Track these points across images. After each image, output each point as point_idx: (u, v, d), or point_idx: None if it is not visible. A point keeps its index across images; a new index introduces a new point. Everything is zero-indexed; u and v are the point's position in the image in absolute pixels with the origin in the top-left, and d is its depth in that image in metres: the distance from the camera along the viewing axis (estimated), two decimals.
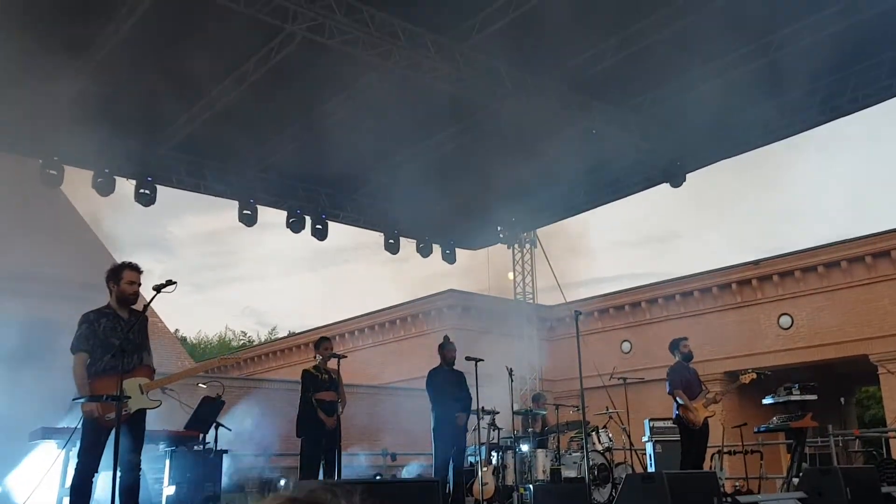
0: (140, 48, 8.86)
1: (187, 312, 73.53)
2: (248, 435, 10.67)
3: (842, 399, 18.50)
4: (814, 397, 10.23)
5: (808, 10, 8.86)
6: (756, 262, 20.76)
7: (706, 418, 8.99)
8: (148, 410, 5.63)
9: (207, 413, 8.53)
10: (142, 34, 8.54)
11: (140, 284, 5.74)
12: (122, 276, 5.66)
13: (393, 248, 13.91)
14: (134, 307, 5.75)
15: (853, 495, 7.81)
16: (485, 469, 9.58)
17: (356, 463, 14.10)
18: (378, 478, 12.25)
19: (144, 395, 5.52)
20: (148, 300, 5.54)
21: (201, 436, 8.38)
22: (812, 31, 9.08)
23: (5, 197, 15.78)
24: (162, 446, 7.91)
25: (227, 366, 6.88)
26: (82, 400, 5.31)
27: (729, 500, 8.01)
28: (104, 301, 5.73)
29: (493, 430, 10.13)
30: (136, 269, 5.74)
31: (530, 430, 10.35)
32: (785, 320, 20.12)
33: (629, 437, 11.16)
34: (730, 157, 12.13)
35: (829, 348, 19.26)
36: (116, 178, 10.90)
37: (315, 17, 8.48)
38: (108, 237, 18.84)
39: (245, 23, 8.42)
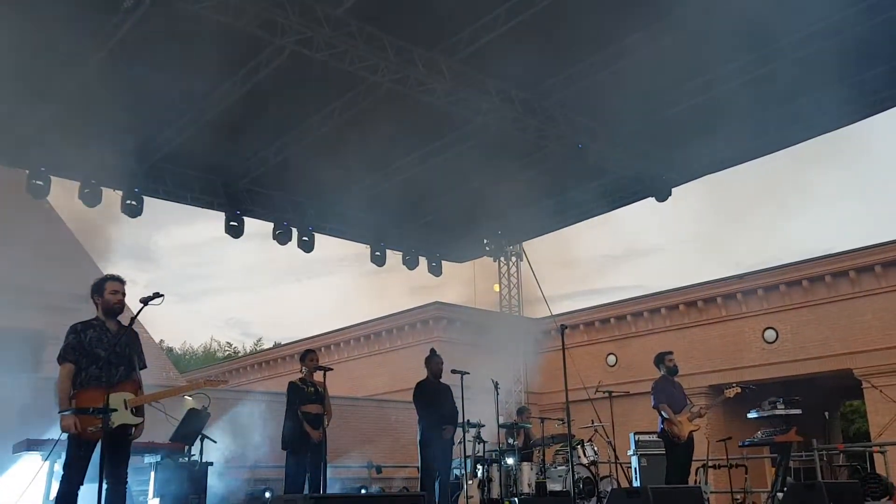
0: (128, 59, 8.85)
1: (172, 323, 73.26)
2: (234, 447, 10.62)
3: (826, 413, 18.55)
4: (798, 411, 10.29)
5: (800, 25, 8.93)
6: (741, 276, 20.89)
7: (691, 432, 9.02)
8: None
9: (193, 425, 8.51)
10: (130, 46, 8.54)
11: (124, 294, 5.73)
12: (105, 287, 5.67)
13: (379, 260, 13.91)
14: (121, 320, 5.74)
15: None
16: (470, 482, 9.58)
17: (341, 476, 14.05)
18: (363, 491, 12.23)
19: (128, 411, 5.50)
20: (135, 312, 5.53)
21: (186, 448, 8.36)
22: (803, 46, 9.16)
23: None
24: (147, 458, 7.88)
25: (215, 387, 6.92)
26: (67, 412, 5.28)
27: None
28: (90, 313, 5.72)
29: (479, 444, 10.13)
30: (118, 280, 5.75)
31: (514, 442, 10.36)
32: (769, 334, 20.25)
33: (614, 450, 11.19)
34: (715, 171, 12.23)
35: (814, 362, 19.38)
36: (103, 189, 10.86)
37: (303, 31, 8.51)
38: (94, 248, 18.75)
39: (234, 35, 8.45)
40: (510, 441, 10.38)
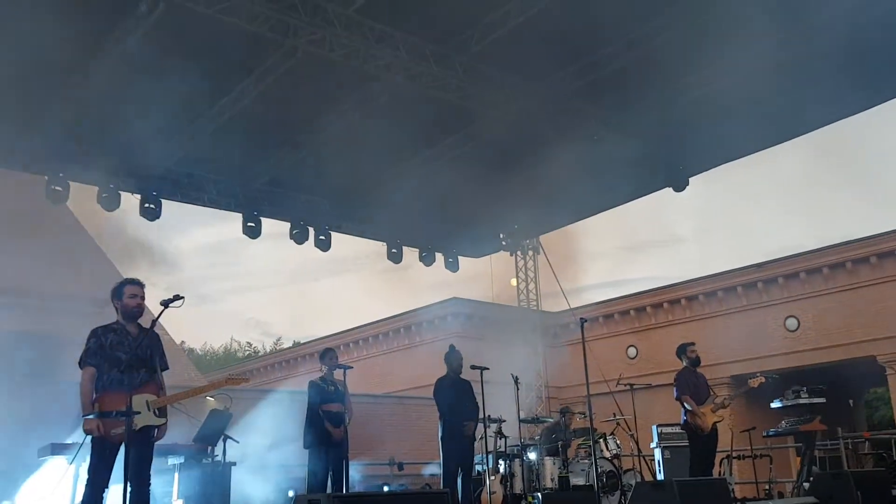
0: (143, 64, 8.88)
1: (193, 324, 73.63)
2: (256, 447, 10.65)
3: (850, 401, 18.41)
4: (822, 400, 10.22)
5: (820, 9, 8.84)
6: (760, 266, 20.71)
7: (715, 423, 8.96)
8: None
9: (215, 426, 8.55)
10: (145, 50, 8.56)
11: (143, 297, 5.75)
12: (124, 291, 5.70)
13: (396, 257, 13.93)
14: (142, 323, 5.77)
15: (865, 499, 7.79)
16: (493, 478, 9.56)
17: (363, 473, 14.07)
18: (386, 489, 12.24)
19: (151, 412, 5.52)
20: (156, 315, 5.56)
21: (209, 448, 8.40)
22: (821, 31, 9.05)
23: (11, 213, 15.82)
24: (170, 460, 7.92)
25: (237, 386, 6.90)
26: (90, 416, 5.31)
27: None
28: (111, 316, 5.75)
29: (500, 439, 10.11)
30: (136, 283, 5.78)
31: (553, 436, 10.34)
32: (791, 322, 20.06)
33: (637, 443, 11.13)
34: (732, 160, 12.15)
35: (837, 350, 19.19)
36: (121, 193, 10.93)
37: (315, 31, 8.52)
38: (114, 252, 18.90)
39: (247, 37, 8.47)
40: (553, 435, 10.39)
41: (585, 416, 9.06)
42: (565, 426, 10.85)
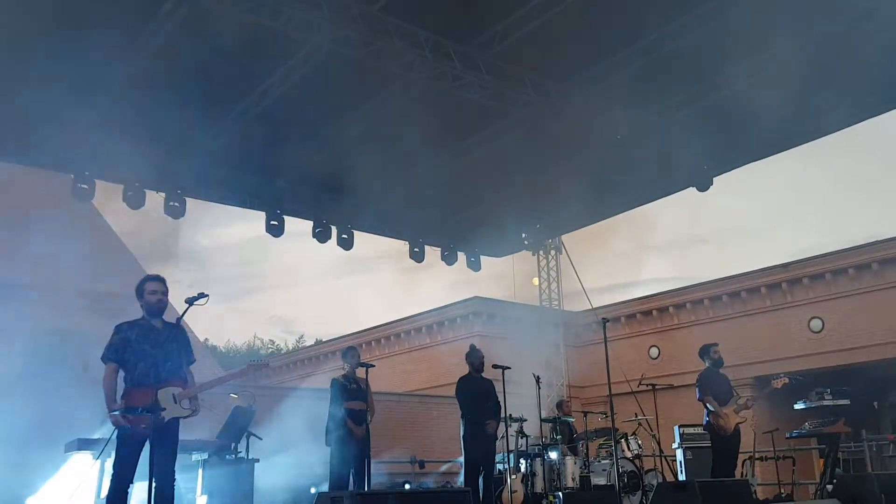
0: (168, 62, 8.98)
1: (216, 322, 74.10)
2: (279, 444, 10.73)
3: (875, 403, 18.20)
4: (846, 402, 10.12)
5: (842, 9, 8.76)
6: (785, 266, 20.52)
7: (737, 424, 8.91)
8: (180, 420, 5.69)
9: (239, 423, 8.62)
10: (171, 49, 8.66)
11: (164, 293, 5.80)
12: (145, 288, 5.78)
13: (418, 256, 13.96)
14: (167, 318, 5.84)
15: (888, 501, 7.72)
16: (514, 477, 9.57)
17: (385, 471, 14.12)
18: (407, 486, 12.28)
19: (177, 404, 5.60)
20: (181, 313, 5.63)
21: (233, 445, 8.47)
22: (848, 30, 8.97)
23: (38, 211, 16.04)
24: (194, 456, 8.00)
25: (259, 372, 6.85)
26: (116, 412, 5.39)
27: None
28: (137, 313, 5.83)
29: (522, 438, 10.12)
30: (157, 280, 5.84)
31: (558, 437, 10.34)
32: (815, 324, 19.85)
33: (659, 443, 11.09)
34: (757, 160, 12.06)
35: (861, 351, 18.96)
36: (146, 191, 11.04)
37: (339, 30, 8.57)
38: (139, 249, 19.09)
39: (271, 36, 8.53)
40: (557, 436, 10.36)
41: (607, 416, 9.04)
42: (557, 420, 10.76)
